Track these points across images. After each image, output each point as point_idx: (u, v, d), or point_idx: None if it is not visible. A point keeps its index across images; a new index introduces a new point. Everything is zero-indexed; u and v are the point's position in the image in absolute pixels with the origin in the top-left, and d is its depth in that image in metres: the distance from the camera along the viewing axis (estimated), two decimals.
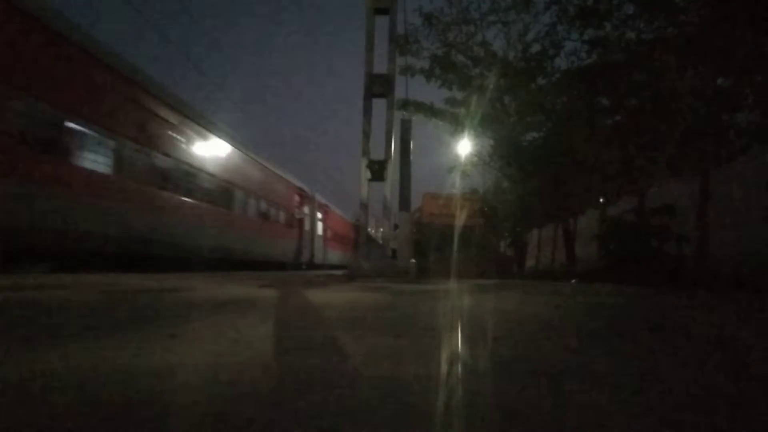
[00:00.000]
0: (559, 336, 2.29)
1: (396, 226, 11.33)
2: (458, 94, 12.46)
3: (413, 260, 10.31)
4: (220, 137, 13.18)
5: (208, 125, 12.63)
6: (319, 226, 22.55)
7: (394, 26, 10.55)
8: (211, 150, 12.72)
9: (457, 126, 12.73)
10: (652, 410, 1.08)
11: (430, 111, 12.80)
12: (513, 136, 12.07)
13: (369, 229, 20.80)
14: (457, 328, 2.50)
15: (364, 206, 10.15)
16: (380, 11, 10.44)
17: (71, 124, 8.00)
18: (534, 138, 12.57)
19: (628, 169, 9.98)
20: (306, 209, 20.42)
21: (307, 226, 20.51)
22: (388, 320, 2.65)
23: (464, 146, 14.30)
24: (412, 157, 10.52)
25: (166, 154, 10.58)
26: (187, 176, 11.41)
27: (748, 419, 1.07)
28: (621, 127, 9.91)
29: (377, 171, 9.96)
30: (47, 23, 7.60)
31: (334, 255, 25.05)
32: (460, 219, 17.39)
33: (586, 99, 10.13)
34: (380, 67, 10.38)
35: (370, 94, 10.13)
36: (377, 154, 10.23)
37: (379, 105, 10.29)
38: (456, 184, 16.82)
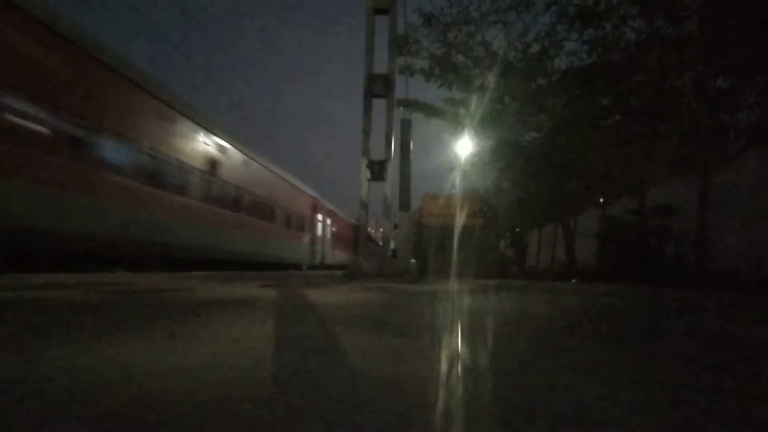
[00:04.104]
0: (558, 336, 2.29)
1: (396, 226, 11.33)
2: (458, 94, 12.46)
3: (413, 260, 10.31)
4: (260, 163, 16.08)
5: (257, 156, 15.82)
6: (328, 230, 24.80)
7: (394, 26, 10.54)
8: (261, 176, 15.95)
9: (457, 126, 12.73)
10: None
11: (430, 111, 12.80)
12: (513, 136, 12.06)
13: (369, 229, 21.15)
14: (457, 328, 2.50)
15: (364, 206, 10.14)
16: (380, 11, 10.43)
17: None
18: (534, 138, 12.56)
19: (628, 168, 9.98)
20: (318, 216, 22.57)
21: (319, 231, 22.69)
22: (388, 320, 2.65)
23: (464, 146, 14.29)
24: (412, 157, 10.52)
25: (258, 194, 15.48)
26: (255, 203, 15.35)
27: None
28: (621, 127, 9.91)
29: (377, 171, 9.95)
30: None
31: (341, 256, 26.91)
32: (460, 219, 17.38)
33: (586, 99, 10.12)
34: (380, 67, 10.38)
35: (370, 94, 10.12)
36: (377, 154, 10.22)
37: (379, 105, 10.29)
38: (456, 184, 16.83)
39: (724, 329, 2.72)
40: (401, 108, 11.97)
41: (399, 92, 11.08)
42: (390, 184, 10.07)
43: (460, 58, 11.56)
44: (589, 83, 9.67)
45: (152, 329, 2.07)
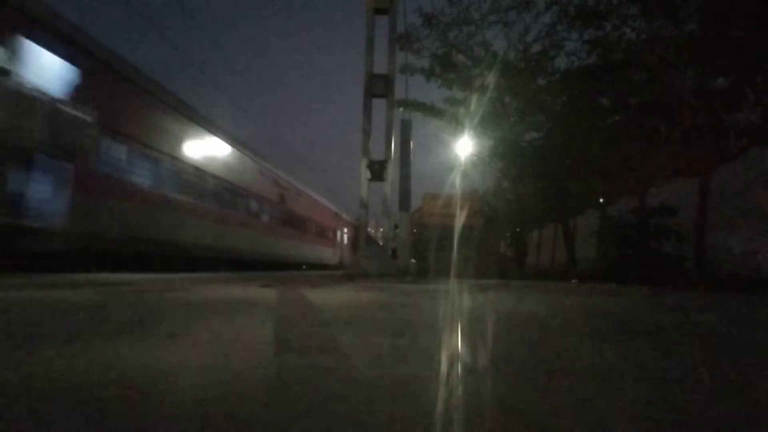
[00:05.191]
0: (557, 336, 2.29)
1: (396, 226, 11.33)
2: (458, 94, 12.45)
3: (413, 260, 10.30)
4: None
5: None
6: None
7: (394, 26, 10.56)
8: None
9: (457, 126, 12.73)
10: None
11: (430, 111, 12.80)
12: (513, 136, 12.06)
13: (369, 229, 20.24)
14: (455, 328, 2.50)
15: (364, 206, 10.14)
16: (380, 11, 10.44)
17: None
18: (534, 138, 12.56)
19: (628, 168, 9.97)
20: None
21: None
22: (389, 320, 2.65)
23: (464, 146, 14.29)
24: (412, 157, 10.53)
25: None
26: None
27: None
28: (621, 127, 9.91)
29: (377, 171, 9.96)
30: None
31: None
32: (460, 219, 17.37)
33: (586, 99, 10.12)
34: (380, 67, 10.38)
35: (370, 94, 10.12)
36: (377, 154, 10.23)
37: (379, 105, 10.29)
38: (456, 184, 16.82)
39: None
40: (401, 108, 11.97)
41: (399, 92, 11.09)
42: (390, 184, 10.07)
43: (461, 57, 11.55)
44: (589, 83, 9.68)
45: (152, 329, 2.07)
